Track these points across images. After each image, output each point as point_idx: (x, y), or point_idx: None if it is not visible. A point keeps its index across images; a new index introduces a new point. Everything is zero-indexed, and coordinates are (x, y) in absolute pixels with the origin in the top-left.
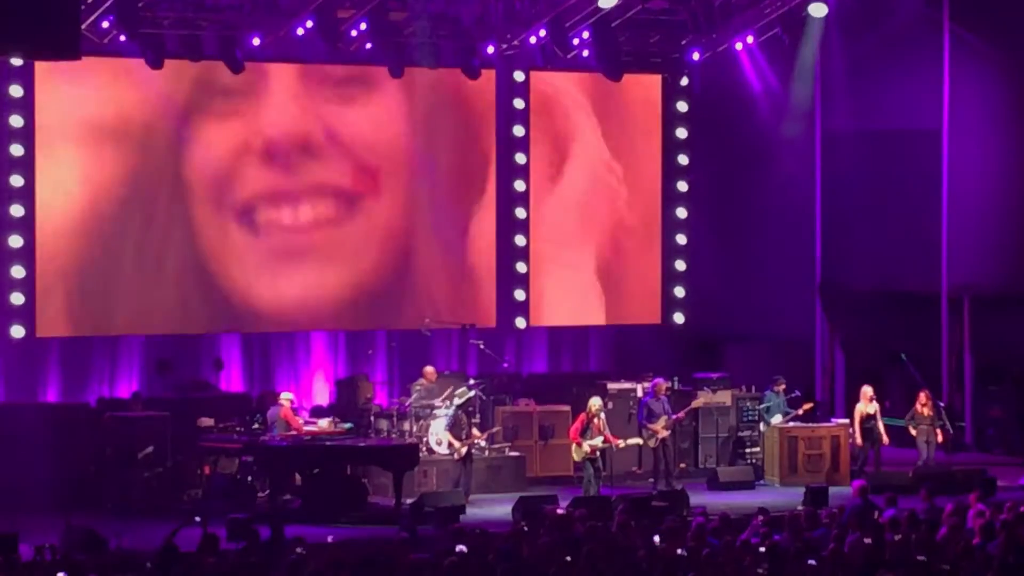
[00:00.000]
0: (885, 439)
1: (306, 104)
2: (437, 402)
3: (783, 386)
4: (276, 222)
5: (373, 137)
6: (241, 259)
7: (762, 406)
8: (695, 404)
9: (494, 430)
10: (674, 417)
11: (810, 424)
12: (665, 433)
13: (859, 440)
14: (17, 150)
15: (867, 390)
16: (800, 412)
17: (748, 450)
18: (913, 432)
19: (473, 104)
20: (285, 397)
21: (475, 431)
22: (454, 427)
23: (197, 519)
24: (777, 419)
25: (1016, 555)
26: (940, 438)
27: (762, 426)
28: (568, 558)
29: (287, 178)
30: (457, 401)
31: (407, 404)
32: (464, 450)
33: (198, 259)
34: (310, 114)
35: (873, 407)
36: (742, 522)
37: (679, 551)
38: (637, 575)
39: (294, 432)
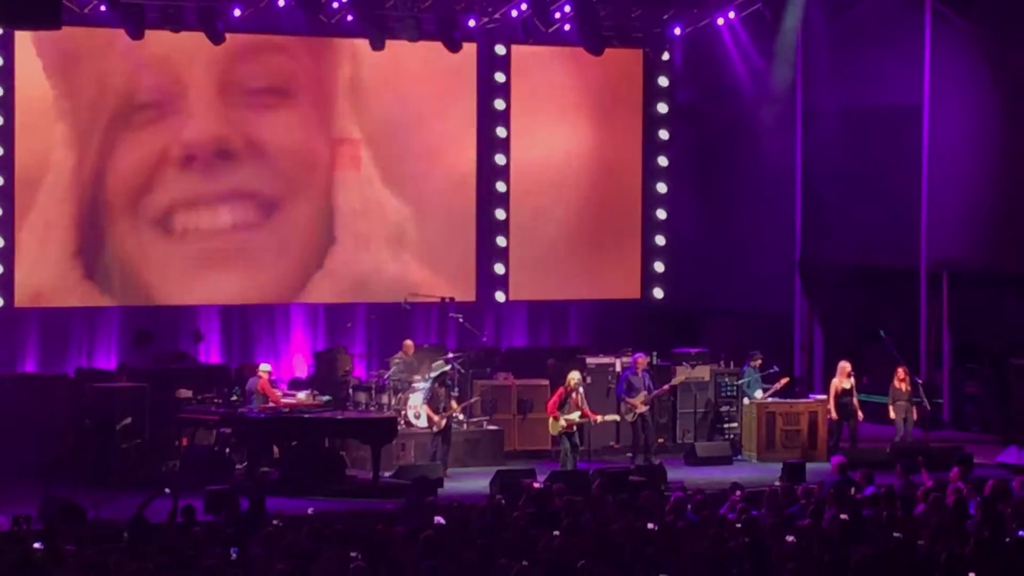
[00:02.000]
0: (860, 415)
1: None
2: (416, 375)
3: (759, 361)
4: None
5: (359, 104)
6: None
7: (741, 381)
8: (675, 381)
9: (472, 401)
10: (656, 392)
11: (788, 400)
12: (644, 408)
13: (834, 415)
14: None
15: (844, 365)
16: (778, 387)
17: (726, 425)
18: (891, 409)
19: (453, 77)
20: (263, 369)
21: (453, 403)
22: (432, 400)
23: (167, 491)
24: (759, 394)
25: (994, 532)
26: (916, 415)
27: (745, 400)
28: (547, 532)
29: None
30: (433, 374)
31: (386, 377)
32: (443, 423)
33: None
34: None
35: (849, 382)
36: (718, 497)
37: (651, 525)
38: (614, 550)
39: (272, 404)
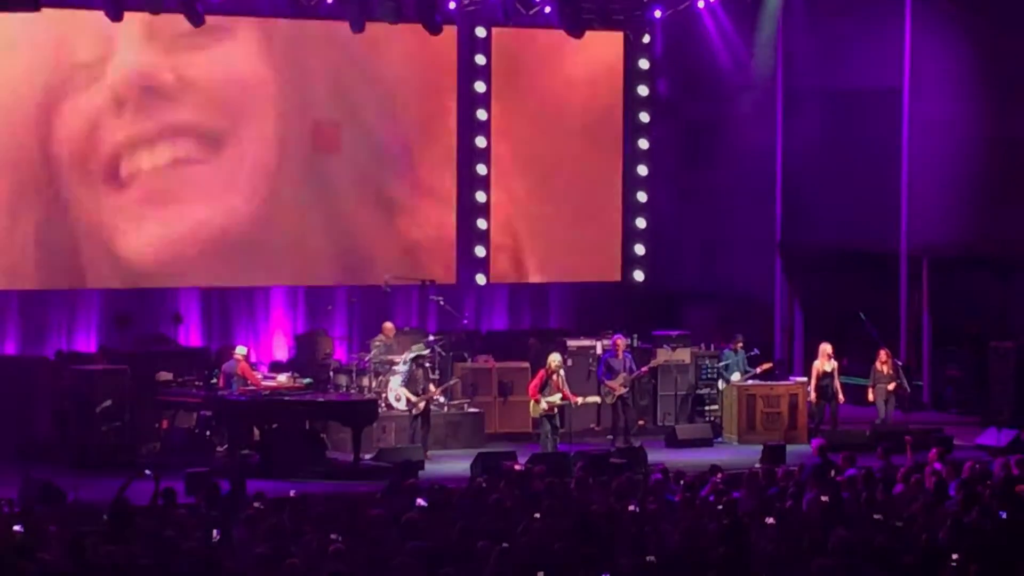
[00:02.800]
0: (841, 397)
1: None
2: (396, 358)
3: (741, 344)
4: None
5: (330, 90)
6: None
7: (721, 364)
8: (655, 363)
9: (451, 383)
10: (637, 372)
11: (768, 382)
12: (623, 390)
13: (814, 397)
14: None
15: (826, 348)
16: (759, 371)
17: (707, 408)
18: (871, 391)
19: (433, 59)
20: (240, 352)
21: (431, 387)
22: (409, 382)
23: (147, 472)
24: (736, 377)
25: (974, 513)
26: (892, 387)
27: (720, 384)
28: (528, 513)
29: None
30: (409, 355)
31: (366, 360)
32: (422, 405)
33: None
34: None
35: (831, 365)
36: (699, 479)
37: (632, 507)
38: (595, 531)
39: (252, 386)
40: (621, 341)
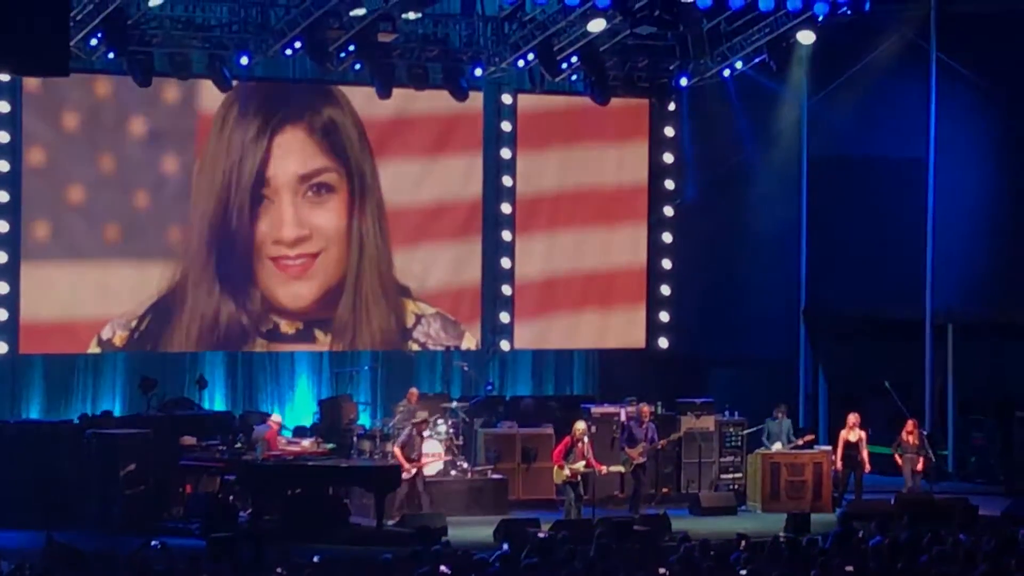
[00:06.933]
0: (867, 467)
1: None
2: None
3: (784, 413)
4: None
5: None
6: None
7: (753, 429)
8: (673, 436)
9: (437, 453)
10: (655, 443)
11: (793, 451)
12: (641, 459)
13: (839, 465)
14: (3, 166)
15: (852, 418)
16: (801, 442)
17: (731, 476)
18: (899, 460)
19: (459, 125)
20: (275, 418)
21: (422, 457)
22: (405, 447)
23: (155, 543)
24: (778, 446)
25: None
26: (920, 466)
27: (763, 449)
28: None
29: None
30: (414, 419)
31: (390, 425)
32: (413, 471)
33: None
34: None
35: (856, 435)
36: (724, 548)
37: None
38: None
39: (275, 452)
40: (647, 409)
